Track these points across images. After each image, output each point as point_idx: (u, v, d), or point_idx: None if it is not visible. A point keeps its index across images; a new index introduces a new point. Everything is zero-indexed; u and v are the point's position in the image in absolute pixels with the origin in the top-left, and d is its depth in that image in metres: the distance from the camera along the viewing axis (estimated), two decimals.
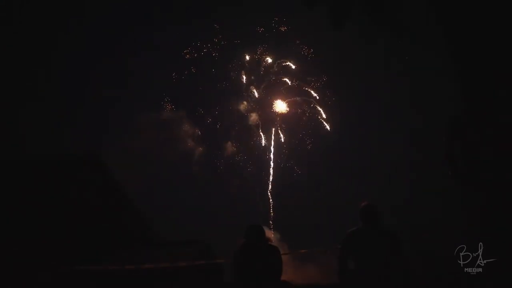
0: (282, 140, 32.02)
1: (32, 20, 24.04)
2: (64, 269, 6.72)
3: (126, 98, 29.90)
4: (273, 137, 31.78)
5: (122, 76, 29.56)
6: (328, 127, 31.12)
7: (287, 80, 32.03)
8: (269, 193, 30.65)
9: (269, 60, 31.11)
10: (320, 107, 31.68)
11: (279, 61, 31.08)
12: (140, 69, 30.15)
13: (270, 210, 29.49)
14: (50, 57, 25.37)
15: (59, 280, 6.75)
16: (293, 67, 31.36)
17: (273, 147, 31.70)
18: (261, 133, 31.57)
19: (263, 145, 31.54)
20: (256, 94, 31.75)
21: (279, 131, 32.07)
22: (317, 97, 31.81)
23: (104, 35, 27.80)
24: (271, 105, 31.90)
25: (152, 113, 28.95)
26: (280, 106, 32.18)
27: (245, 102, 31.20)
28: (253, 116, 31.26)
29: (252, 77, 31.42)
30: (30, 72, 24.31)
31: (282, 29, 30.97)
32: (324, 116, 31.15)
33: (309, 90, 31.74)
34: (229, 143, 30.77)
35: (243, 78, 31.10)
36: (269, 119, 31.99)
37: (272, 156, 31.34)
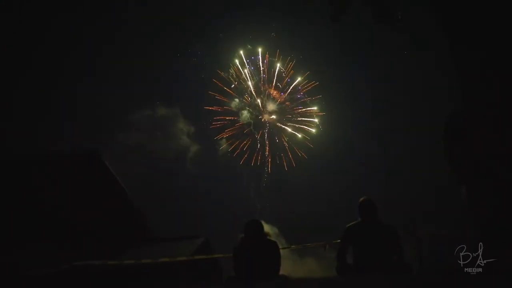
0: (277, 140, 31.89)
1: (25, 18, 23.88)
2: (63, 266, 6.72)
3: (124, 97, 29.83)
4: (266, 134, 31.56)
5: (119, 75, 29.40)
6: (320, 126, 31.20)
7: (279, 84, 31.77)
8: (263, 187, 30.77)
9: (259, 57, 30.89)
10: (311, 105, 31.57)
11: (271, 59, 30.83)
12: (136, 68, 30.00)
13: (267, 205, 29.62)
14: (45, 56, 25.23)
15: (59, 277, 6.76)
16: (282, 70, 31.08)
17: (268, 146, 31.51)
18: (253, 130, 31.42)
19: (257, 141, 31.43)
20: (249, 95, 31.46)
21: (274, 127, 31.91)
22: (307, 97, 31.55)
23: (101, 33, 27.56)
24: (262, 102, 31.67)
25: (149, 111, 28.96)
26: (272, 103, 31.95)
27: (236, 100, 31.01)
28: (245, 114, 31.18)
29: (245, 71, 31.11)
30: (25, 71, 24.19)
31: (273, 34, 30.76)
32: (316, 109, 31.17)
33: (300, 88, 31.56)
34: (224, 140, 30.83)
35: (233, 75, 30.84)
36: (261, 116, 31.84)
37: (266, 153, 31.26)
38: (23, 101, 23.79)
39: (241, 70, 31.19)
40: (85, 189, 9.87)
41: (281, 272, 4.75)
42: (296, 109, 31.97)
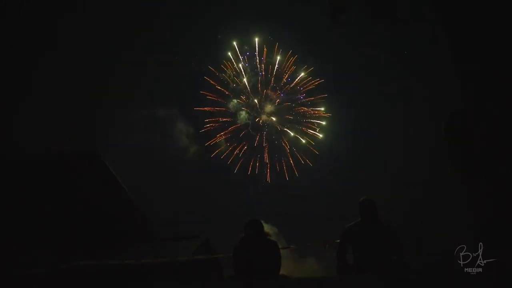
0: (275, 142, 30.78)
1: (25, 18, 23.89)
2: (63, 266, 6.73)
3: (125, 97, 29.81)
4: (264, 138, 30.65)
5: (118, 74, 29.38)
6: (323, 123, 30.16)
7: (276, 86, 30.62)
8: (263, 187, 30.28)
9: (256, 54, 29.80)
10: (311, 103, 30.41)
11: (268, 60, 29.82)
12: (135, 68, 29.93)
13: (267, 205, 29.24)
14: (44, 55, 25.21)
15: (59, 276, 6.77)
16: (279, 69, 29.87)
17: (266, 151, 30.54)
18: (251, 132, 30.50)
19: (255, 146, 30.43)
20: (245, 94, 30.40)
21: (275, 127, 30.93)
22: (307, 96, 30.31)
23: (100, 32, 27.55)
24: (260, 102, 30.62)
25: (149, 111, 28.95)
26: (271, 103, 30.76)
27: (234, 100, 30.14)
28: (243, 115, 30.30)
29: (239, 66, 30.02)
30: (26, 71, 24.21)
31: (270, 37, 29.81)
32: (321, 109, 30.22)
33: (301, 89, 30.39)
34: (223, 141, 30.24)
35: (231, 76, 29.90)
36: (259, 118, 30.76)
37: (265, 156, 30.48)
38: (21, 101, 23.80)
39: (236, 66, 29.77)
40: (85, 189, 9.89)
41: (281, 272, 4.76)
42: (298, 109, 30.49)
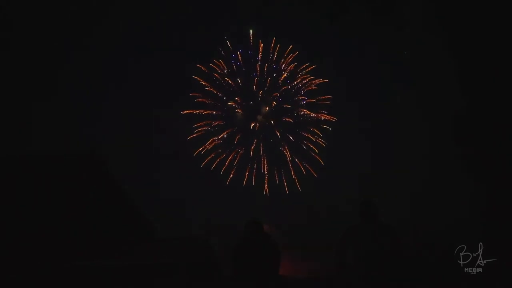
0: (273, 148, 29.63)
1: (29, 22, 23.91)
2: (63, 266, 6.74)
3: (125, 97, 29.74)
4: (261, 145, 29.60)
5: (119, 74, 29.34)
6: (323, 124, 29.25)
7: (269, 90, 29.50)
8: (266, 188, 29.78)
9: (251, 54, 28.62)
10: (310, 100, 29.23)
11: (267, 64, 28.77)
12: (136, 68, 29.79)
13: (268, 204, 28.78)
14: (41, 54, 25.21)
15: (59, 276, 6.78)
16: (275, 65, 28.69)
17: (263, 152, 29.60)
18: (249, 128, 29.39)
19: (251, 149, 29.36)
20: (242, 95, 29.19)
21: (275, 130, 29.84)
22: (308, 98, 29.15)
23: (102, 34, 27.55)
24: (257, 103, 29.43)
25: (149, 111, 28.84)
26: (269, 105, 29.51)
27: (231, 103, 29.12)
28: (239, 118, 29.30)
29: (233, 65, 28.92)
30: (26, 71, 24.21)
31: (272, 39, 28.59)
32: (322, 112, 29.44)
33: (303, 89, 29.21)
34: (220, 141, 29.48)
35: (223, 72, 28.75)
36: (255, 122, 29.47)
37: (263, 161, 29.61)
38: (20, 101, 23.85)
39: (231, 64, 28.56)
40: (84, 190, 9.91)
41: (280, 273, 4.76)
42: (298, 110, 29.33)
